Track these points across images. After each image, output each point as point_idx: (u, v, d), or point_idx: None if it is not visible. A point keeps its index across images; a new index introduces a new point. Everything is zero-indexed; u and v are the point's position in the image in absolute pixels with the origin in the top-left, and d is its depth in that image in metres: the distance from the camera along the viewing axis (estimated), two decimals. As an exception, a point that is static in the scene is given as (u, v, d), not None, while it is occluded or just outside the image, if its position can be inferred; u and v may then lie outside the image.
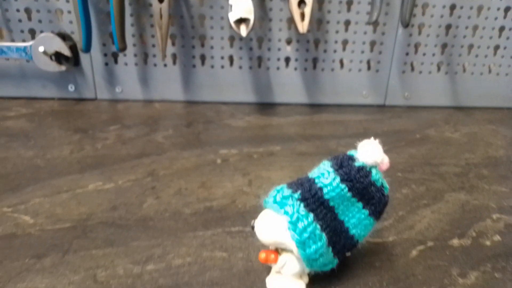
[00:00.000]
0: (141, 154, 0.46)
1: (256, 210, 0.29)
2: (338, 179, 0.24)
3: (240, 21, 0.52)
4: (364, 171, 0.25)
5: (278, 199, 0.25)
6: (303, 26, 0.54)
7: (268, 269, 0.28)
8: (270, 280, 0.27)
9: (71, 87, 0.63)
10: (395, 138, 0.54)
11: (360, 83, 0.65)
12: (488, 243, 0.33)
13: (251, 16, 0.52)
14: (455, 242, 0.33)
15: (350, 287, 0.28)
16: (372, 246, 0.32)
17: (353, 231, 0.25)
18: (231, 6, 0.52)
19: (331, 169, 0.25)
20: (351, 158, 0.25)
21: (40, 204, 0.36)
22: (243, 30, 0.52)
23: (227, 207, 0.37)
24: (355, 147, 0.27)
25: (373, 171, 0.25)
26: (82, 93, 0.64)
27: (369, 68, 0.65)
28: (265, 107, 0.64)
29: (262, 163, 0.46)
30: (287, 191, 0.25)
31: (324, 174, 0.25)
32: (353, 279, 0.28)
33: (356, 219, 0.25)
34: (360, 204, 0.25)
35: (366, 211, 0.25)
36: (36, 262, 0.29)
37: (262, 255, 0.26)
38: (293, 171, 0.44)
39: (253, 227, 0.26)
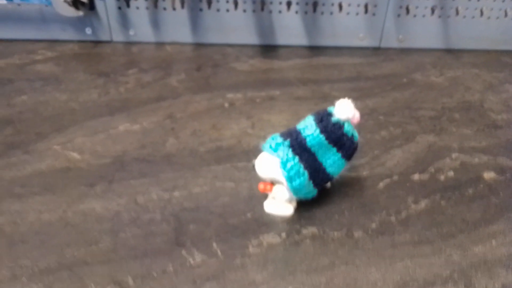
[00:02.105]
0: (159, 98, 0.53)
1: (257, 149, 0.37)
2: (318, 131, 0.32)
3: (245, -29, 0.56)
4: (338, 124, 0.32)
5: (272, 145, 0.33)
6: (303, -24, 0.57)
7: (265, 196, 0.37)
8: (267, 204, 0.36)
9: (88, 30, 0.68)
10: (384, 82, 0.60)
11: (357, 26, 0.70)
12: (442, 177, 0.42)
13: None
14: (416, 176, 0.42)
15: (327, 210, 0.37)
16: (349, 179, 0.41)
17: (329, 169, 0.34)
18: (236, -44, 0.55)
19: (313, 123, 0.33)
20: (329, 114, 0.33)
21: (83, 143, 0.44)
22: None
23: (234, 146, 0.45)
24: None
25: (345, 125, 0.33)
26: (99, 36, 0.69)
27: (366, 11, 0.68)
28: (268, 49, 0.69)
29: (263, 106, 0.53)
30: (279, 139, 0.33)
31: (308, 127, 0.33)
32: (330, 204, 0.37)
33: (331, 160, 0.33)
34: (334, 149, 0.33)
35: (339, 154, 0.33)
36: (90, 189, 0.38)
37: (261, 185, 0.35)
38: (290, 115, 0.51)
39: (253, 166, 0.34)
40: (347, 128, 0.33)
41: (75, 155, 0.42)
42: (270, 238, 0.34)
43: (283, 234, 0.34)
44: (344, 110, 0.32)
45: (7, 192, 0.37)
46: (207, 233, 0.34)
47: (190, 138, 0.46)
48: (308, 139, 0.32)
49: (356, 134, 0.34)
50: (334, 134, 0.32)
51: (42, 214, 0.35)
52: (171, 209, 0.36)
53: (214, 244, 0.33)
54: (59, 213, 0.35)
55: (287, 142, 0.33)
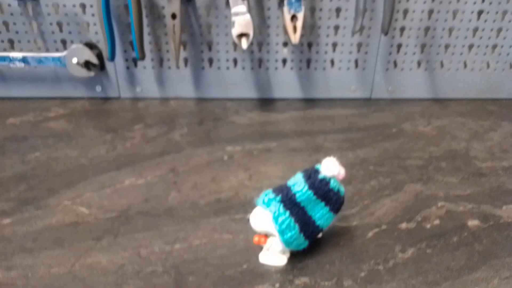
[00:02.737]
0: (162, 152, 0.57)
1: (254, 201, 0.39)
2: (306, 187, 0.35)
3: (241, 35, 0.61)
4: (325, 181, 0.35)
5: (265, 200, 0.36)
6: (295, 38, 0.63)
7: (260, 248, 0.39)
8: (262, 255, 0.39)
9: (98, 88, 0.74)
10: (374, 133, 0.64)
11: (349, 79, 0.75)
12: (428, 226, 0.44)
13: (250, 31, 0.61)
14: (403, 225, 0.44)
15: (319, 260, 0.39)
16: (340, 229, 0.43)
17: (318, 222, 0.36)
18: (233, 22, 0.61)
19: (302, 180, 0.36)
20: (317, 171, 0.36)
21: (91, 198, 0.47)
22: (244, 43, 0.61)
23: (232, 198, 0.48)
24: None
25: (332, 181, 0.36)
26: (108, 93, 0.74)
27: (356, 66, 0.74)
28: (265, 102, 0.74)
29: (260, 159, 0.56)
30: (271, 195, 0.36)
31: (297, 183, 0.36)
32: (321, 255, 0.40)
33: (320, 214, 0.36)
34: (323, 204, 0.36)
35: (327, 208, 0.36)
36: (97, 243, 0.41)
37: (256, 238, 0.38)
38: (285, 166, 0.54)
39: (248, 220, 0.37)
40: (333, 184, 0.36)
41: (84, 209, 0.45)
42: (264, 289, 0.36)
43: (277, 285, 0.36)
44: (330, 168, 0.35)
45: (20, 247, 0.40)
46: (205, 284, 0.36)
47: (191, 191, 0.49)
48: (297, 195, 0.35)
49: (342, 189, 0.37)
50: (321, 190, 0.35)
51: (52, 268, 0.38)
52: (172, 261, 0.39)
53: (212, 295, 0.35)
54: (68, 267, 0.38)
55: (278, 198, 0.36)
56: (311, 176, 0.36)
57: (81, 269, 0.37)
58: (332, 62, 0.73)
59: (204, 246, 0.41)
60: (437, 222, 0.45)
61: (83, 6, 0.67)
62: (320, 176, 0.36)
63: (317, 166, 0.37)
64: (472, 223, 0.45)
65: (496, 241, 0.42)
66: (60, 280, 0.36)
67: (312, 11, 0.68)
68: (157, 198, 0.48)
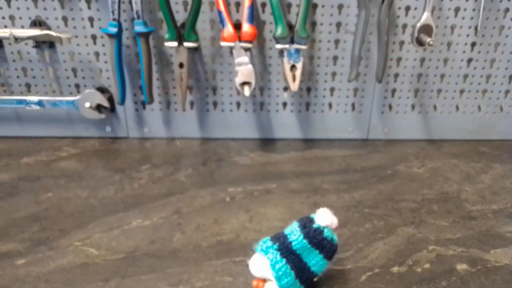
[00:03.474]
0: (168, 193, 0.60)
1: (253, 245, 0.42)
2: (302, 236, 0.38)
3: (244, 83, 0.66)
4: (319, 230, 0.38)
5: (263, 248, 0.39)
6: (294, 86, 0.67)
7: (259, 291, 0.42)
8: (260, 298, 0.41)
9: (108, 128, 0.78)
10: (370, 175, 0.67)
11: (346, 121, 0.78)
12: (419, 270, 0.46)
13: (252, 80, 0.65)
14: (395, 269, 0.46)
15: (314, 303, 0.41)
16: (334, 272, 0.46)
17: (313, 268, 0.39)
18: (237, 72, 0.65)
19: (298, 229, 0.39)
20: (311, 221, 0.39)
21: (100, 239, 0.50)
22: (246, 91, 0.66)
23: (233, 240, 0.51)
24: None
25: (325, 230, 0.39)
26: (117, 133, 0.78)
27: (353, 109, 0.77)
28: (267, 142, 0.78)
29: (260, 200, 0.59)
30: (269, 243, 0.39)
31: (293, 232, 0.39)
32: (316, 298, 0.42)
33: (315, 261, 0.39)
34: (317, 252, 0.39)
35: (321, 255, 0.39)
36: (105, 285, 0.43)
37: (254, 282, 0.40)
38: (284, 208, 0.57)
39: (247, 265, 0.40)
40: (326, 233, 0.39)
41: (93, 251, 0.48)
42: (262, 332, 0.38)
43: (274, 328, 0.38)
44: (324, 218, 0.38)
45: (34, 288, 0.43)
46: (207, 327, 0.38)
47: (194, 233, 0.52)
48: (293, 244, 0.38)
49: (335, 237, 0.40)
50: (316, 239, 0.38)
51: (63, 309, 0.40)
52: (176, 303, 0.41)
53: (213, 338, 0.37)
54: (78, 308, 0.40)
55: (276, 246, 0.38)
56: (306, 225, 0.39)
57: (91, 311, 0.40)
58: (330, 105, 0.77)
59: (206, 288, 0.43)
60: (427, 266, 0.47)
61: (96, 54, 0.72)
62: (315, 225, 0.39)
63: (312, 215, 0.40)
64: (461, 267, 0.47)
65: (483, 285, 0.44)
66: (71, 321, 0.39)
67: (310, 59, 0.73)
68: (162, 239, 0.50)
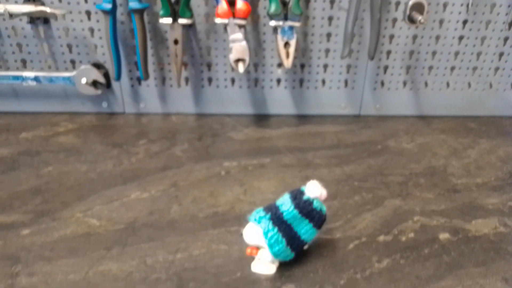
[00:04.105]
0: (165, 168, 0.62)
1: (247, 216, 0.44)
2: (292, 207, 0.40)
3: (238, 60, 0.67)
4: (308, 201, 0.41)
5: (257, 218, 0.41)
6: (288, 63, 0.68)
7: (252, 258, 0.44)
8: (254, 265, 0.44)
9: (104, 104, 0.79)
10: (361, 150, 0.69)
11: (339, 98, 0.80)
12: (403, 238, 0.49)
13: (246, 57, 0.66)
14: (381, 238, 0.49)
15: (304, 269, 0.44)
16: (324, 241, 0.48)
17: (303, 237, 0.42)
18: (231, 48, 0.66)
19: (289, 200, 0.41)
20: (302, 193, 0.41)
21: (100, 211, 0.52)
22: (241, 68, 0.67)
23: (228, 212, 0.53)
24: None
25: (314, 202, 0.41)
26: (113, 109, 0.79)
27: (346, 85, 0.79)
28: (261, 118, 0.79)
29: (255, 174, 0.61)
30: (262, 213, 0.41)
31: (284, 203, 0.41)
32: (306, 264, 0.45)
33: (304, 230, 0.41)
34: (307, 221, 0.41)
35: (311, 225, 0.41)
36: (107, 253, 0.46)
37: (248, 250, 0.43)
38: (277, 182, 0.60)
39: (242, 234, 0.42)
40: (315, 204, 0.41)
41: (94, 221, 0.50)
42: (255, 295, 0.41)
43: (266, 291, 0.41)
44: (313, 190, 0.41)
45: (39, 256, 0.45)
46: (203, 290, 0.41)
47: (191, 205, 0.54)
48: (284, 214, 0.40)
49: (324, 208, 0.42)
50: (306, 209, 0.40)
51: (68, 275, 0.43)
52: (174, 269, 0.44)
53: (209, 300, 0.40)
54: (82, 274, 0.43)
55: (268, 216, 0.41)
56: (297, 197, 0.41)
57: (94, 276, 0.42)
58: (323, 81, 0.78)
59: (203, 256, 0.46)
60: (411, 235, 0.50)
61: (91, 30, 0.72)
62: (305, 197, 0.41)
63: (302, 188, 0.42)
64: (443, 236, 0.50)
65: (463, 253, 0.47)
66: (76, 286, 0.41)
67: (304, 35, 0.74)
68: (161, 211, 0.53)
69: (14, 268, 0.43)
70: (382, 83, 0.79)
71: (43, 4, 0.68)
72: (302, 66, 0.77)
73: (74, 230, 0.49)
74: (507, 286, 0.43)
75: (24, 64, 0.75)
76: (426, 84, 0.79)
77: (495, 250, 0.48)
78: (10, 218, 0.51)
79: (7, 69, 0.75)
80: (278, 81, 0.78)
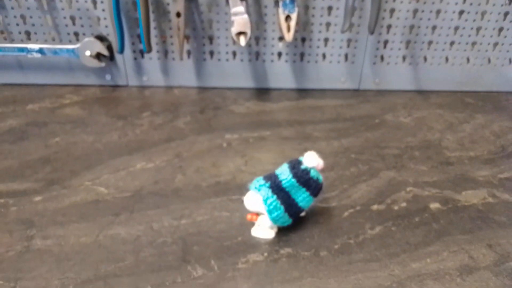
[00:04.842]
0: (168, 139, 0.64)
1: (248, 185, 0.47)
2: (291, 176, 0.43)
3: (240, 33, 0.67)
4: (306, 171, 0.43)
5: (257, 186, 0.44)
6: (289, 36, 0.69)
7: (252, 224, 0.47)
8: (254, 230, 0.47)
9: (108, 77, 0.80)
10: (359, 123, 0.71)
11: (339, 72, 0.81)
12: (396, 208, 0.52)
13: (248, 30, 0.67)
14: (375, 207, 0.52)
15: (301, 234, 0.47)
16: (320, 209, 0.51)
17: (300, 204, 0.44)
18: (232, 22, 0.67)
19: (287, 169, 0.43)
20: (300, 163, 0.43)
21: (108, 179, 0.55)
22: (242, 41, 0.68)
23: (230, 181, 0.55)
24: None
25: (311, 171, 0.43)
26: (117, 81, 0.81)
27: (346, 60, 0.80)
28: (262, 92, 0.81)
29: (255, 146, 0.64)
30: (262, 182, 0.44)
31: (283, 172, 0.43)
32: (303, 230, 0.47)
33: (302, 197, 0.44)
34: (304, 189, 0.44)
35: (308, 193, 0.44)
36: (116, 218, 0.48)
37: (248, 216, 0.45)
38: (277, 154, 0.62)
39: (243, 201, 0.45)
40: (312, 173, 0.43)
41: (103, 189, 0.53)
42: (255, 257, 0.44)
43: (265, 254, 0.44)
44: (311, 160, 0.43)
45: (52, 220, 0.48)
46: (206, 252, 0.44)
47: (194, 175, 0.56)
48: (283, 182, 0.43)
49: (320, 177, 0.44)
50: (303, 178, 0.43)
51: (80, 238, 0.45)
52: (179, 234, 0.46)
53: (212, 261, 0.43)
54: (93, 237, 0.46)
55: (267, 184, 0.43)
56: (295, 166, 0.43)
57: (105, 239, 0.45)
58: (324, 55, 0.79)
59: (206, 221, 0.48)
60: (404, 204, 0.52)
61: (94, 1, 0.73)
62: (303, 166, 0.43)
63: (300, 158, 0.44)
64: (434, 205, 0.52)
65: (451, 221, 0.50)
66: (88, 247, 0.44)
67: (305, 9, 0.74)
68: (165, 180, 0.55)
69: (29, 232, 0.46)
70: (382, 58, 0.80)
71: (45, -25, 0.69)
72: (303, 40, 0.77)
73: (84, 197, 0.52)
74: (491, 251, 0.46)
75: (28, 36, 0.76)
76: (425, 59, 0.80)
77: (482, 219, 0.50)
78: (22, 186, 0.53)
79: (12, 41, 0.76)
80: (279, 54, 0.79)
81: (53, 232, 0.46)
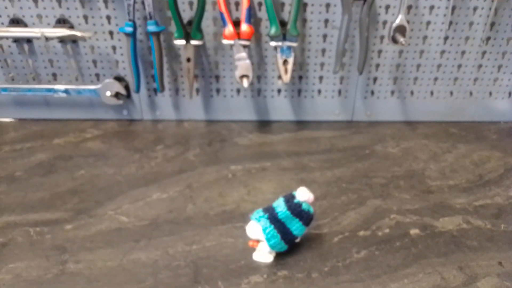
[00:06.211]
0: (180, 171, 0.72)
1: (250, 213, 0.54)
2: (285, 208, 0.51)
3: (243, 76, 0.76)
4: (298, 204, 0.51)
5: (257, 217, 0.51)
6: (286, 78, 0.77)
7: (253, 249, 0.54)
8: (255, 254, 0.54)
9: (125, 112, 0.89)
10: (350, 154, 0.79)
11: (333, 105, 0.89)
12: (380, 233, 0.59)
13: (250, 73, 0.76)
14: (361, 233, 0.59)
15: (295, 258, 0.54)
16: (313, 235, 0.58)
17: (294, 232, 0.52)
18: (236, 66, 0.76)
19: (282, 203, 0.51)
20: (293, 197, 0.51)
21: (128, 209, 0.63)
22: (245, 83, 0.76)
23: (234, 210, 0.63)
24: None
25: (303, 204, 0.51)
26: (133, 116, 0.90)
27: (339, 95, 0.88)
28: (263, 124, 0.89)
29: (257, 177, 0.71)
30: (261, 213, 0.52)
31: (279, 205, 0.51)
32: (298, 254, 0.55)
33: (295, 227, 0.51)
34: (297, 219, 0.51)
35: (301, 223, 0.51)
36: (136, 244, 0.56)
37: (250, 242, 0.53)
38: (277, 183, 0.70)
39: (245, 229, 0.52)
40: (304, 206, 0.51)
41: (124, 218, 0.61)
42: (256, 278, 0.51)
43: (265, 275, 0.52)
44: (303, 195, 0.51)
45: (82, 247, 0.56)
46: (214, 274, 0.52)
47: (203, 204, 0.64)
48: (279, 214, 0.51)
49: (311, 209, 0.52)
50: (296, 210, 0.51)
51: (106, 262, 0.53)
52: (191, 258, 0.54)
53: (219, 282, 0.50)
54: (118, 262, 0.53)
55: (266, 215, 0.51)
56: (289, 200, 0.51)
57: (127, 263, 0.53)
58: (319, 91, 0.88)
59: (214, 247, 0.56)
60: (387, 230, 0.60)
61: (113, 47, 0.82)
62: (296, 200, 0.51)
63: (294, 192, 0.52)
64: (414, 231, 0.60)
65: (428, 245, 0.57)
66: (113, 270, 0.52)
67: (302, 51, 0.83)
68: (178, 209, 0.63)
69: (63, 257, 0.54)
70: (372, 92, 0.88)
71: (72, 26, 0.78)
72: (300, 77, 0.86)
73: (108, 225, 0.60)
74: (461, 273, 0.53)
75: (54, 77, 0.85)
76: (412, 93, 0.88)
77: (456, 243, 0.57)
78: (54, 215, 0.61)
79: (40, 82, 0.85)
80: (279, 91, 0.87)
81: (83, 257, 0.54)
